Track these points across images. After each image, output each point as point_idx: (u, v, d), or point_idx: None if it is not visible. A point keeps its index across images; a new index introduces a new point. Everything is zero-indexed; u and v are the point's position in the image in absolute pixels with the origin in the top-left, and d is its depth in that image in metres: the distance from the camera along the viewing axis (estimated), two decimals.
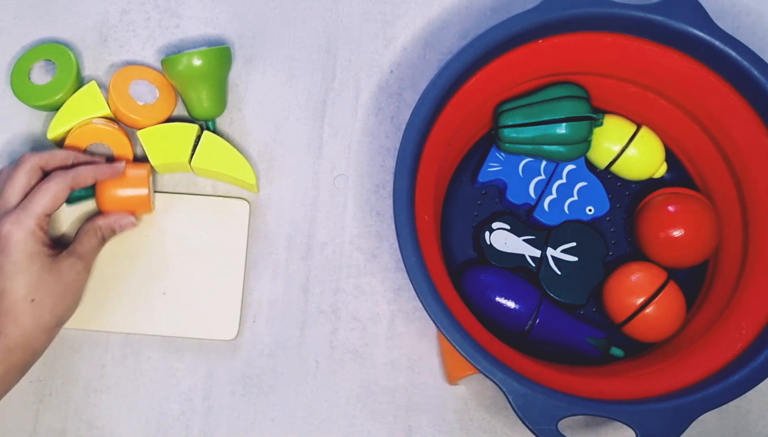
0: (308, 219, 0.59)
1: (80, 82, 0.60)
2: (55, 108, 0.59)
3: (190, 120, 0.60)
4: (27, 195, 0.51)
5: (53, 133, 0.58)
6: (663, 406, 0.46)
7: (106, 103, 0.58)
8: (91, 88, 0.59)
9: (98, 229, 0.55)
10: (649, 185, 0.60)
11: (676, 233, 0.55)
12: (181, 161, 0.57)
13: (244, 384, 0.57)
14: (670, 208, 0.56)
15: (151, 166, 0.57)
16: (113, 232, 0.56)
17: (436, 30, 0.63)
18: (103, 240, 0.56)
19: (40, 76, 0.60)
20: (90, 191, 0.57)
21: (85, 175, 0.53)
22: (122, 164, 0.55)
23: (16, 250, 0.49)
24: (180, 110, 0.61)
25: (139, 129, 0.58)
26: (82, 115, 0.58)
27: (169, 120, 0.59)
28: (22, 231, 0.50)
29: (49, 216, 0.52)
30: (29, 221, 0.50)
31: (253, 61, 0.62)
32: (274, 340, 0.57)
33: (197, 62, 0.56)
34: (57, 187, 0.51)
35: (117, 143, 0.58)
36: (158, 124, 0.59)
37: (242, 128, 0.61)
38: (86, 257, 0.54)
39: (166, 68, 0.58)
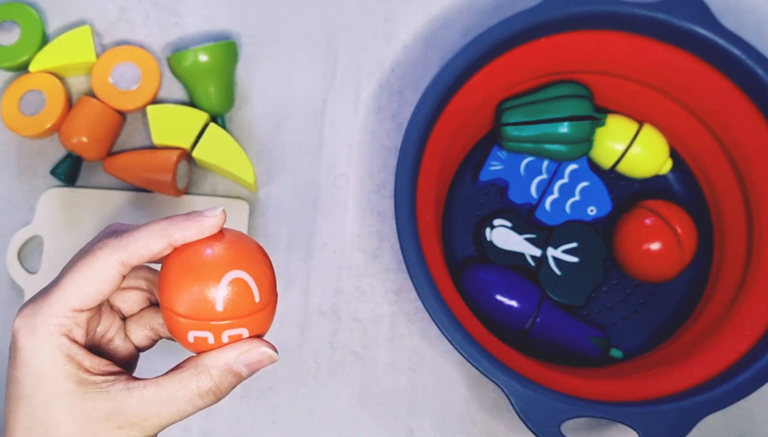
0: (308, 220, 0.59)
1: (45, 44, 0.60)
2: (21, 68, 0.59)
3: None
4: None
5: (35, 67, 0.58)
6: (667, 408, 0.46)
7: (94, 51, 0.58)
8: (83, 31, 0.59)
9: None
10: (648, 186, 0.60)
11: (654, 246, 0.55)
12: (184, 147, 0.57)
13: (244, 386, 0.56)
14: (646, 221, 0.56)
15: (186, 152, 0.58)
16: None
17: (438, 28, 0.63)
18: None
19: (3, 36, 0.59)
20: (66, 174, 0.57)
21: None
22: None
23: None
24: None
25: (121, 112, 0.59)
26: (67, 57, 0.58)
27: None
28: None
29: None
30: None
31: (253, 59, 0.62)
32: (274, 341, 0.56)
33: (203, 58, 0.57)
34: None
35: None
36: (142, 106, 0.59)
37: (242, 127, 0.60)
38: None
39: (172, 65, 0.58)
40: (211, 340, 0.32)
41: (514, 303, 0.55)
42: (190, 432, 0.55)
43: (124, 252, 0.32)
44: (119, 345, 0.36)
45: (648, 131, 0.58)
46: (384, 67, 0.62)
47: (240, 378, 0.33)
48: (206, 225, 0.32)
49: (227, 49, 0.58)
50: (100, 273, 0.32)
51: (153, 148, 0.58)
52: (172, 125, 0.57)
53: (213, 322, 0.32)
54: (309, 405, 0.56)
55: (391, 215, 0.59)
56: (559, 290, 0.56)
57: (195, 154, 0.57)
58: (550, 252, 0.57)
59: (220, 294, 0.31)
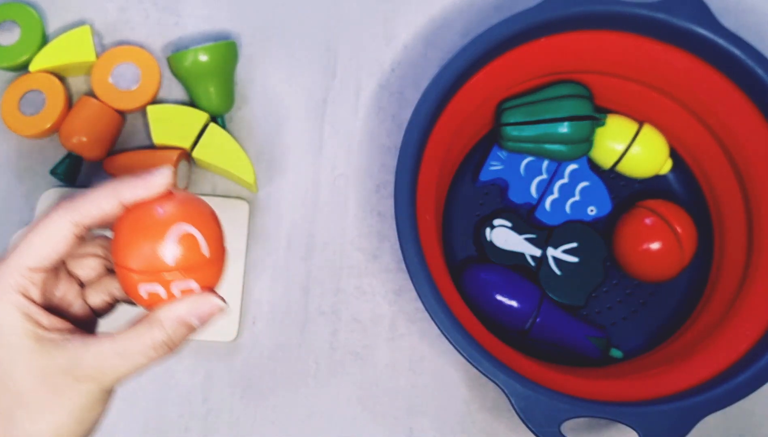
0: (308, 220, 0.59)
1: (45, 44, 0.60)
2: (21, 68, 0.59)
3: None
4: None
5: (35, 67, 0.58)
6: (667, 408, 0.46)
7: (94, 51, 0.58)
8: (83, 31, 0.59)
9: None
10: (648, 186, 0.60)
11: (653, 246, 0.55)
12: (184, 147, 0.57)
13: (244, 386, 0.56)
14: (646, 220, 0.56)
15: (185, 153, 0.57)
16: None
17: (438, 28, 0.63)
18: None
19: (3, 36, 0.59)
20: (65, 174, 0.57)
21: None
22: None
23: None
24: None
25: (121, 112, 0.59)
26: (67, 57, 0.58)
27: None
28: None
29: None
30: None
31: (253, 59, 0.62)
32: (274, 342, 0.57)
33: (203, 58, 0.57)
34: None
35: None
36: (142, 106, 0.59)
37: (241, 127, 0.60)
38: None
39: (172, 65, 0.58)
40: (163, 295, 0.33)
41: (514, 303, 0.55)
42: (190, 431, 0.55)
43: (75, 213, 0.33)
44: (78, 309, 0.37)
45: (648, 131, 0.58)
46: (384, 67, 0.62)
47: (192, 330, 0.34)
48: (155, 184, 0.34)
49: (227, 49, 0.58)
50: (54, 234, 0.33)
51: (153, 148, 0.58)
52: (172, 125, 0.57)
53: (164, 274, 0.33)
54: (309, 405, 0.56)
55: (391, 215, 0.59)
56: (559, 290, 0.56)
57: (195, 154, 0.57)
58: (550, 252, 0.57)
59: (169, 247, 0.33)
